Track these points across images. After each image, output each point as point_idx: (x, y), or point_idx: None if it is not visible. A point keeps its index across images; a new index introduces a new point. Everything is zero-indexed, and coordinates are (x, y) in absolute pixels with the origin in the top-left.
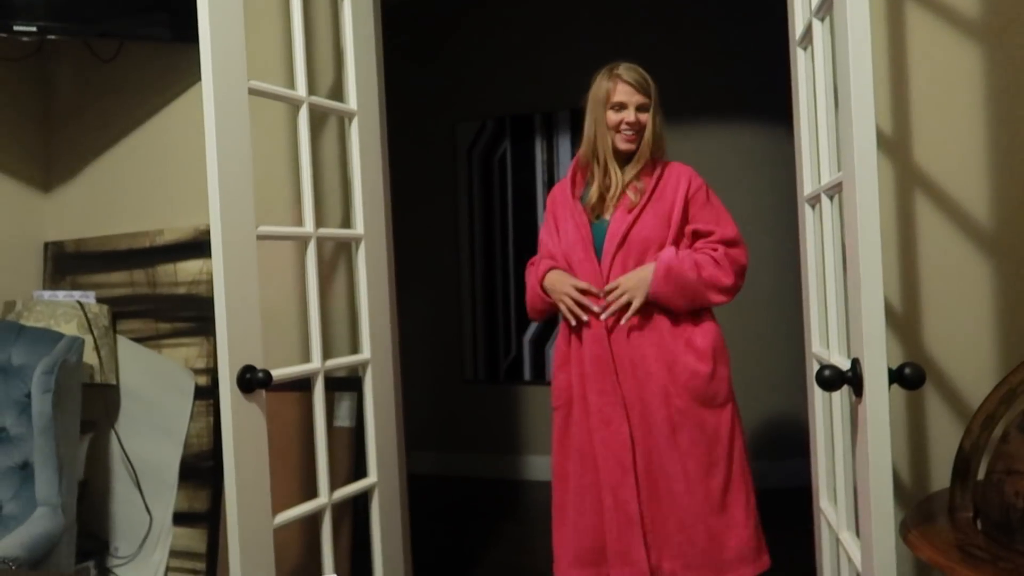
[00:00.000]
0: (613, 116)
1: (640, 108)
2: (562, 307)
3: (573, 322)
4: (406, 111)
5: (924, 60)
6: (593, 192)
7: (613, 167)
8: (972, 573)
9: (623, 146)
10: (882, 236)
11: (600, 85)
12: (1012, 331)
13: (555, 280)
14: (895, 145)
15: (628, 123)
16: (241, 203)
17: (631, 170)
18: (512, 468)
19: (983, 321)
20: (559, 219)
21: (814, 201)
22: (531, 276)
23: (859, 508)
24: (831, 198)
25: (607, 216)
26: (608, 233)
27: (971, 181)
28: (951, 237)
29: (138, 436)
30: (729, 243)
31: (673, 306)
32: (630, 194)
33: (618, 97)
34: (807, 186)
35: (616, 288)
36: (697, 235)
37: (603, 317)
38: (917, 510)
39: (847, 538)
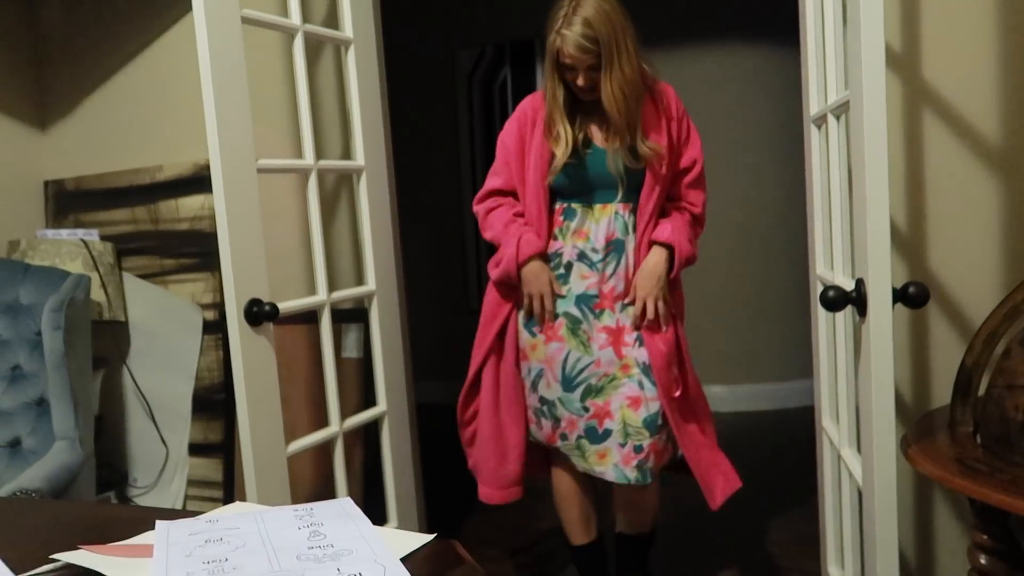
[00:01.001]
0: (567, 73)
1: (592, 68)
2: (529, 302)
3: (535, 320)
4: (404, 38)
5: None
6: (556, 144)
7: (562, 123)
8: (970, 485)
9: (585, 97)
10: (888, 155)
11: (551, 37)
12: (1018, 248)
13: (534, 274)
14: (904, 62)
15: (579, 86)
16: (240, 136)
17: (623, 127)
18: None
19: (989, 239)
20: (532, 145)
21: (820, 122)
22: (507, 244)
23: (861, 425)
24: (838, 118)
25: (598, 143)
26: (641, 201)
27: (981, 98)
28: (959, 155)
29: (150, 371)
30: (701, 178)
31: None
32: (650, 146)
33: (565, 60)
34: (813, 106)
35: (637, 303)
36: (679, 170)
37: (640, 328)
38: (917, 426)
39: (848, 454)
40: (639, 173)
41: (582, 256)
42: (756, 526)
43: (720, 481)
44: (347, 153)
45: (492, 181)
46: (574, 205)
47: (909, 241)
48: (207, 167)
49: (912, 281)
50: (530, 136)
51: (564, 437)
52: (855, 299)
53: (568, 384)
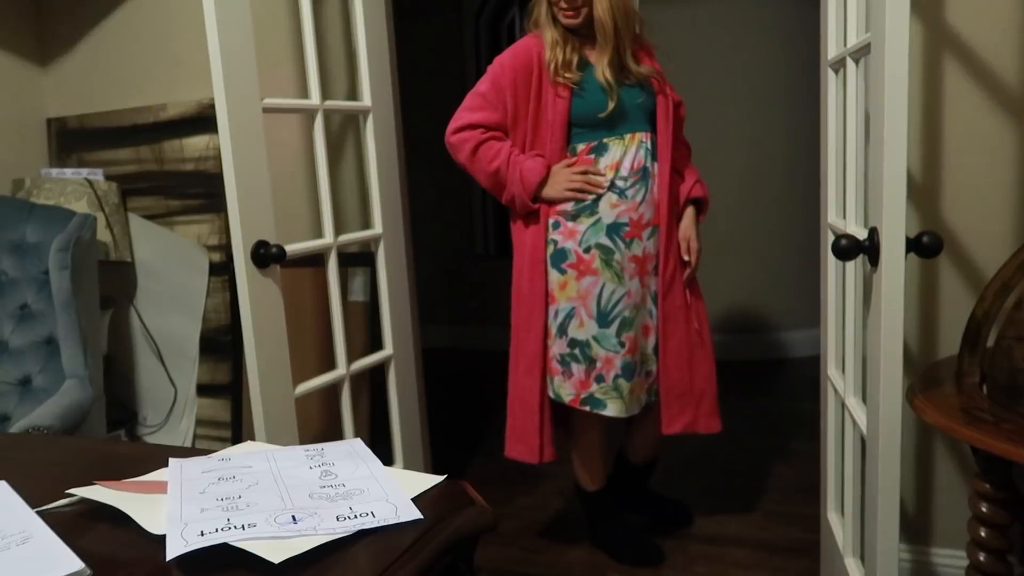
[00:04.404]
0: (554, 8)
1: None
2: (571, 195)
3: (591, 199)
4: None
5: None
6: (560, 59)
7: (555, 35)
8: (976, 434)
9: (565, 22)
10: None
11: None
12: None
13: (554, 179)
14: (927, 4)
15: (563, 8)
16: (245, 74)
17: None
18: None
19: (1005, 189)
20: (543, 88)
21: (838, 65)
22: (512, 178)
23: (867, 375)
24: (856, 62)
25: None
26: (659, 126)
27: (1003, 45)
28: (977, 103)
29: (157, 312)
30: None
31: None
32: (646, 70)
33: None
34: (831, 49)
35: (692, 247)
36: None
37: (686, 276)
38: (924, 376)
39: (853, 403)
40: (652, 101)
41: (611, 186)
42: (756, 472)
43: (689, 415)
44: (353, 95)
45: (479, 115)
46: (605, 140)
47: (923, 190)
48: (212, 106)
49: (926, 231)
50: (537, 80)
51: (600, 379)
52: (867, 248)
53: (603, 319)
